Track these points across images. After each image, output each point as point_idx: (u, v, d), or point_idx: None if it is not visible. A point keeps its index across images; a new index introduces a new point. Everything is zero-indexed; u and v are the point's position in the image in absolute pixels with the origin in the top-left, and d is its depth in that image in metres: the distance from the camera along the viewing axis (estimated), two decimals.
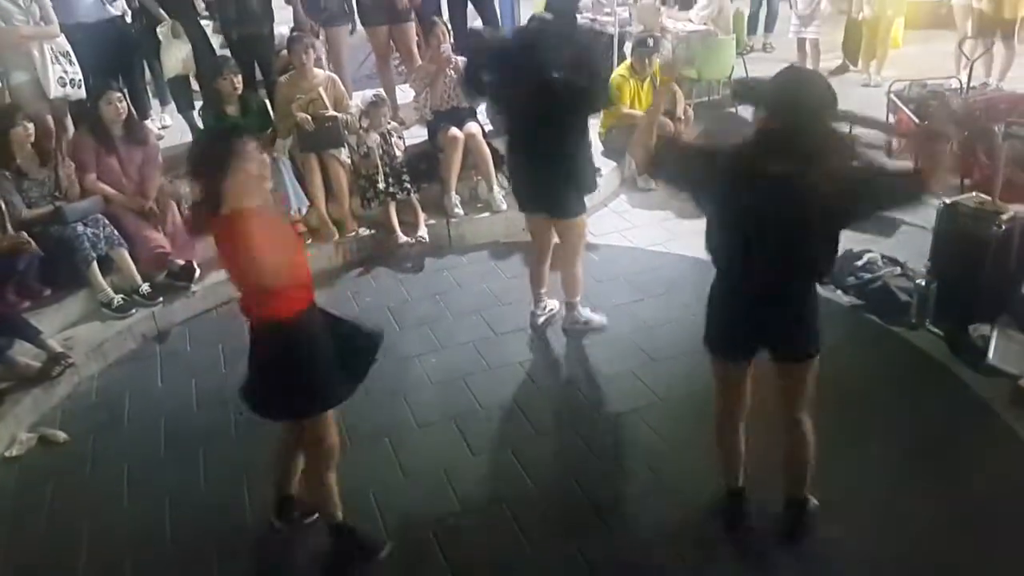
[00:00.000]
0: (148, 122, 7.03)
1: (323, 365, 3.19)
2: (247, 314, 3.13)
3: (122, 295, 5.38)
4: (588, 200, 5.04)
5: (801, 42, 9.91)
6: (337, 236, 6.29)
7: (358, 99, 6.89)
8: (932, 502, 3.65)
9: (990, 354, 4.52)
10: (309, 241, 6.12)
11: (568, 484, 3.91)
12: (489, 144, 6.62)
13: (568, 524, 3.68)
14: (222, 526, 3.75)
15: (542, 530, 3.65)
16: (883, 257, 5.38)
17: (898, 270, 5.29)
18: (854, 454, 3.92)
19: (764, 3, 11.34)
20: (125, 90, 5.98)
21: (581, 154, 4.73)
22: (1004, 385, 4.34)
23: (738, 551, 3.50)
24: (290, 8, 7.38)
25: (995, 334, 4.61)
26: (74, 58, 6.04)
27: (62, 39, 5.98)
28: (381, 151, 6.33)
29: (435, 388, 4.72)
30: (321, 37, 7.19)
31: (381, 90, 7.22)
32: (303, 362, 3.13)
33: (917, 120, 6.81)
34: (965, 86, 6.95)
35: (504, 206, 6.45)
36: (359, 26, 7.54)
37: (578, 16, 9.28)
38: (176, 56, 6.90)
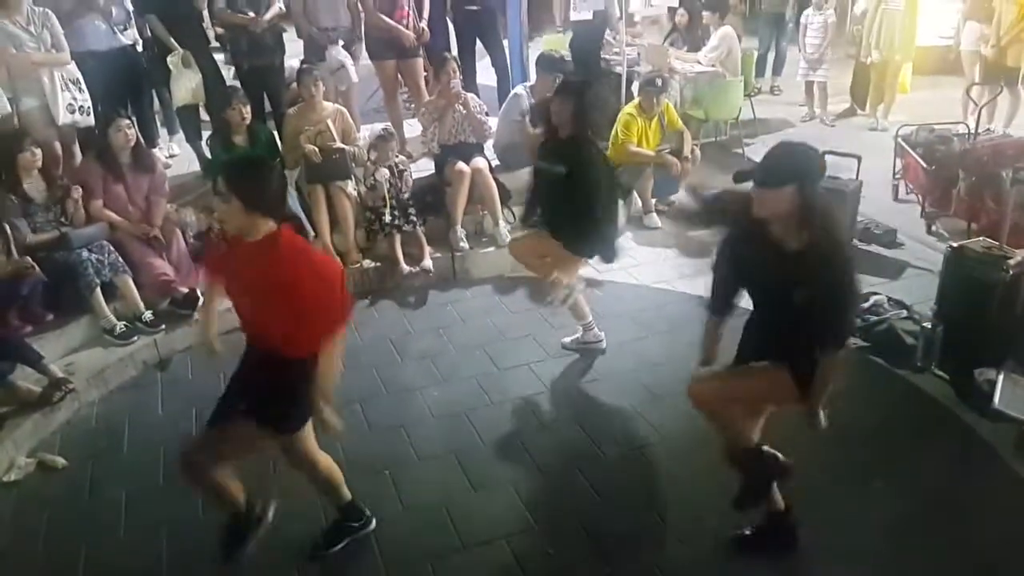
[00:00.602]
0: (156, 150, 7.06)
1: None
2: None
3: (125, 322, 5.38)
4: None
5: (809, 85, 10.00)
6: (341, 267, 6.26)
7: (366, 132, 6.93)
8: (937, 545, 3.61)
9: (996, 398, 4.48)
10: None
11: (569, 521, 3.88)
12: (496, 179, 6.65)
13: (569, 560, 3.64)
14: (219, 558, 3.69)
15: (542, 566, 3.62)
16: (889, 300, 5.36)
17: (904, 313, 5.26)
18: (858, 497, 3.89)
19: (773, 46, 11.43)
20: (133, 118, 6.01)
21: None
22: (1009, 430, 4.30)
23: None
24: (300, 41, 7.45)
25: (1001, 378, 4.56)
26: (83, 85, 6.10)
27: (72, 66, 6.05)
28: (389, 184, 6.35)
29: (437, 422, 4.69)
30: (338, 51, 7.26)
31: (389, 124, 7.26)
32: None
33: (924, 164, 6.83)
34: (972, 132, 6.97)
35: (509, 241, 6.44)
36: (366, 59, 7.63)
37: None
38: (185, 85, 6.97)
